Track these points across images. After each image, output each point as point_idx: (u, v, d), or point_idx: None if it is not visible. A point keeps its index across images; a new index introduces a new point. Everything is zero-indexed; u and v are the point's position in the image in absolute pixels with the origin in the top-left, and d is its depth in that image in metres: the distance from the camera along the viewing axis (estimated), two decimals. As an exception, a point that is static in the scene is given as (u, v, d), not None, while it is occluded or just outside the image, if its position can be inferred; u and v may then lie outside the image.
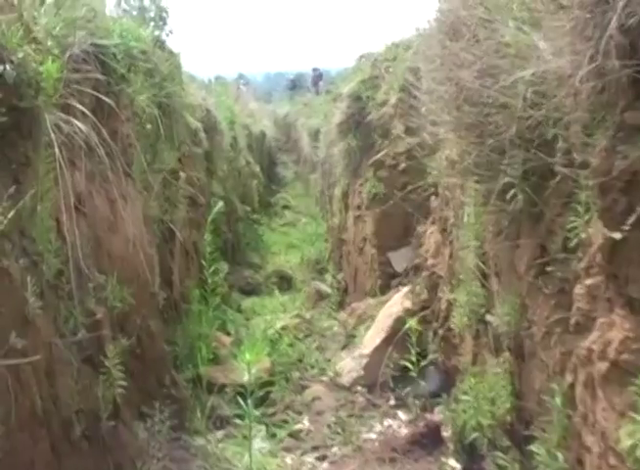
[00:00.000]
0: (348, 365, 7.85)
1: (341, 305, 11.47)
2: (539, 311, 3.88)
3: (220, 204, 7.53)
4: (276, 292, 12.81)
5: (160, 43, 8.46)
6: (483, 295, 5.08)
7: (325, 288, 12.67)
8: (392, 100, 9.48)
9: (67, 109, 4.88)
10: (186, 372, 7.27)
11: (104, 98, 5.41)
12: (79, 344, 4.50)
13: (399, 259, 9.52)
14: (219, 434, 6.80)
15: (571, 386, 3.52)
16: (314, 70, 32.65)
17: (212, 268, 8.12)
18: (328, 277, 13.46)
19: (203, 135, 11.26)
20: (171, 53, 8.86)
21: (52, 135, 4.37)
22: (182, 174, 9.25)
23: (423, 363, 6.84)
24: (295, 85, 37.75)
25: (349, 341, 8.91)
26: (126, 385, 5.57)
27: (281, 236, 18.79)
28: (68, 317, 4.51)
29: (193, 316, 7.92)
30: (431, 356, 6.88)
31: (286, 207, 23.14)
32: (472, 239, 5.05)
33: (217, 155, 13.08)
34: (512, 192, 3.93)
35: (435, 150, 6.27)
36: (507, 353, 4.47)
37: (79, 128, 4.59)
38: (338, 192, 12.42)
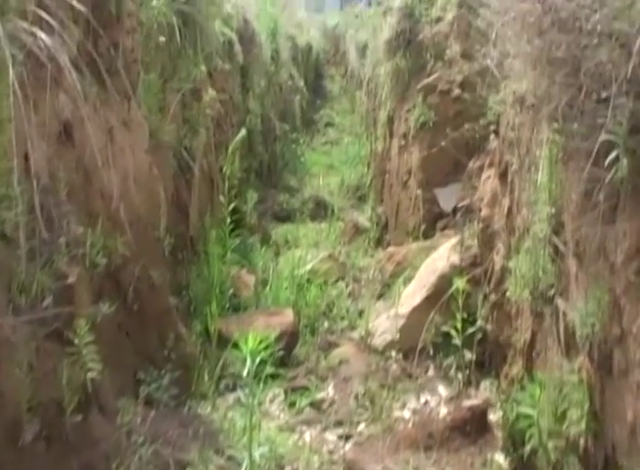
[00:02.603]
0: (382, 325, 6.86)
1: (379, 243, 10.50)
2: (641, 320, 2.84)
3: (243, 132, 6.54)
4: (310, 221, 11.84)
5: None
6: (554, 273, 4.02)
7: (363, 221, 11.67)
8: (449, 16, 8.32)
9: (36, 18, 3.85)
10: (197, 325, 6.37)
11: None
12: (42, 317, 3.58)
13: (447, 197, 8.51)
14: (231, 398, 5.93)
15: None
16: (368, -22, 31.12)
17: (236, 201, 7.21)
18: (367, 208, 12.43)
19: (238, 48, 10.23)
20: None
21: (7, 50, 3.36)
22: (210, 92, 8.25)
23: (470, 330, 5.86)
24: (347, -6, 36.11)
25: (385, 290, 7.94)
26: (117, 350, 4.78)
27: (322, 156, 17.73)
28: (29, 283, 3.58)
29: (210, 258, 6.97)
30: (479, 323, 5.88)
31: (329, 124, 21.99)
32: (545, 203, 3.97)
33: (254, 69, 12.04)
34: (613, 154, 2.86)
35: (500, 81, 5.13)
36: (585, 360, 3.45)
37: (43, 40, 3.54)
38: (382, 116, 11.28)
